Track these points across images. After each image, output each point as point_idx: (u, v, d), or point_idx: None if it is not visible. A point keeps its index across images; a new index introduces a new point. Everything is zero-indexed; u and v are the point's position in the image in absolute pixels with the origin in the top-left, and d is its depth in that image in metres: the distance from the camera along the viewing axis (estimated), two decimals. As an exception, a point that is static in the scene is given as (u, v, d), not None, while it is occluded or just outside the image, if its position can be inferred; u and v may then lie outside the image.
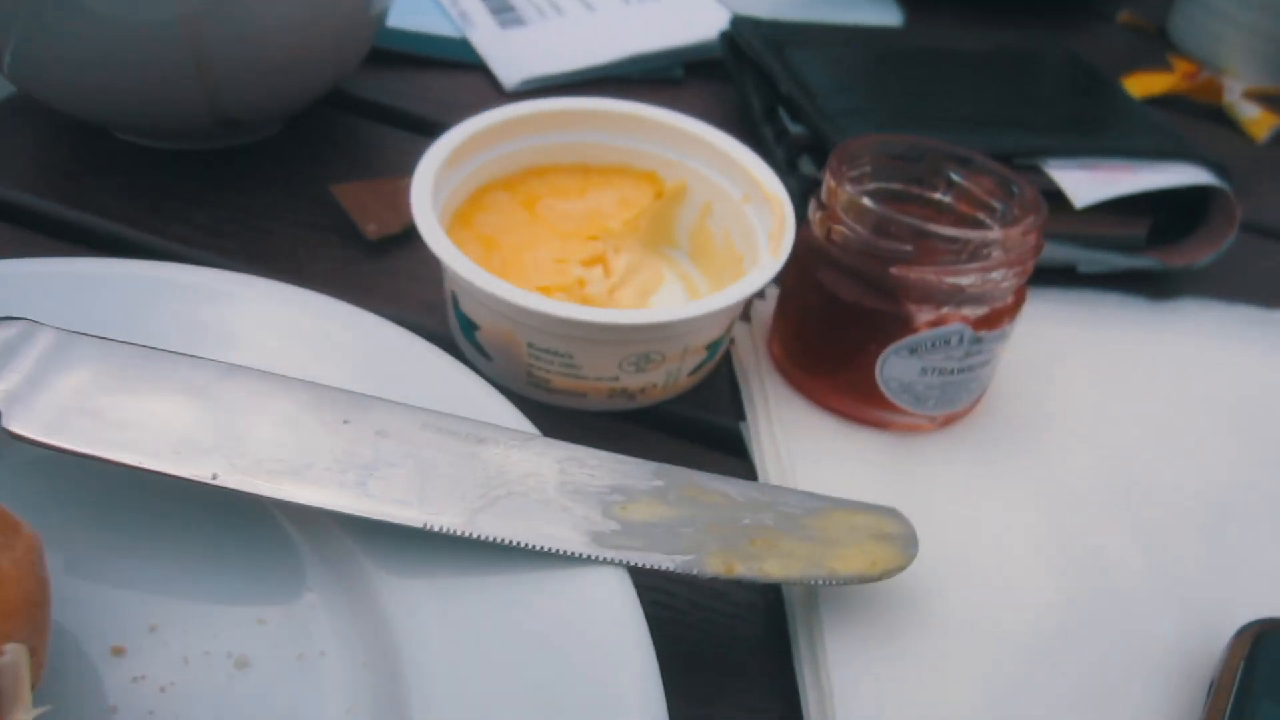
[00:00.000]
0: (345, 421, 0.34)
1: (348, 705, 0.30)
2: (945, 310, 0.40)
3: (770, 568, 0.32)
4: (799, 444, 0.43)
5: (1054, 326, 0.51)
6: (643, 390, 0.44)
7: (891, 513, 0.35)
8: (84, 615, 0.32)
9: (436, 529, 0.32)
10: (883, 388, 0.42)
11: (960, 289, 0.39)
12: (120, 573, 0.33)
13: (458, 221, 0.47)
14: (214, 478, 0.32)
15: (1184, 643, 0.37)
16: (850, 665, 0.34)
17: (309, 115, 0.60)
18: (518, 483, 0.33)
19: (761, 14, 0.75)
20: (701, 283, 0.51)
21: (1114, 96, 0.62)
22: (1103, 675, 0.36)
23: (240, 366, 0.35)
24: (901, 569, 0.34)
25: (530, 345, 0.41)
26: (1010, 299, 0.41)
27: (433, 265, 0.45)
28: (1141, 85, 0.79)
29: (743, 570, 0.32)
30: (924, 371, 0.41)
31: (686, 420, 0.46)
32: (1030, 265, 0.41)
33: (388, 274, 0.51)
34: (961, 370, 0.42)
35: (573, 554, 0.32)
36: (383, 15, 0.56)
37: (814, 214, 0.43)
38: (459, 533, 0.32)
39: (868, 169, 0.44)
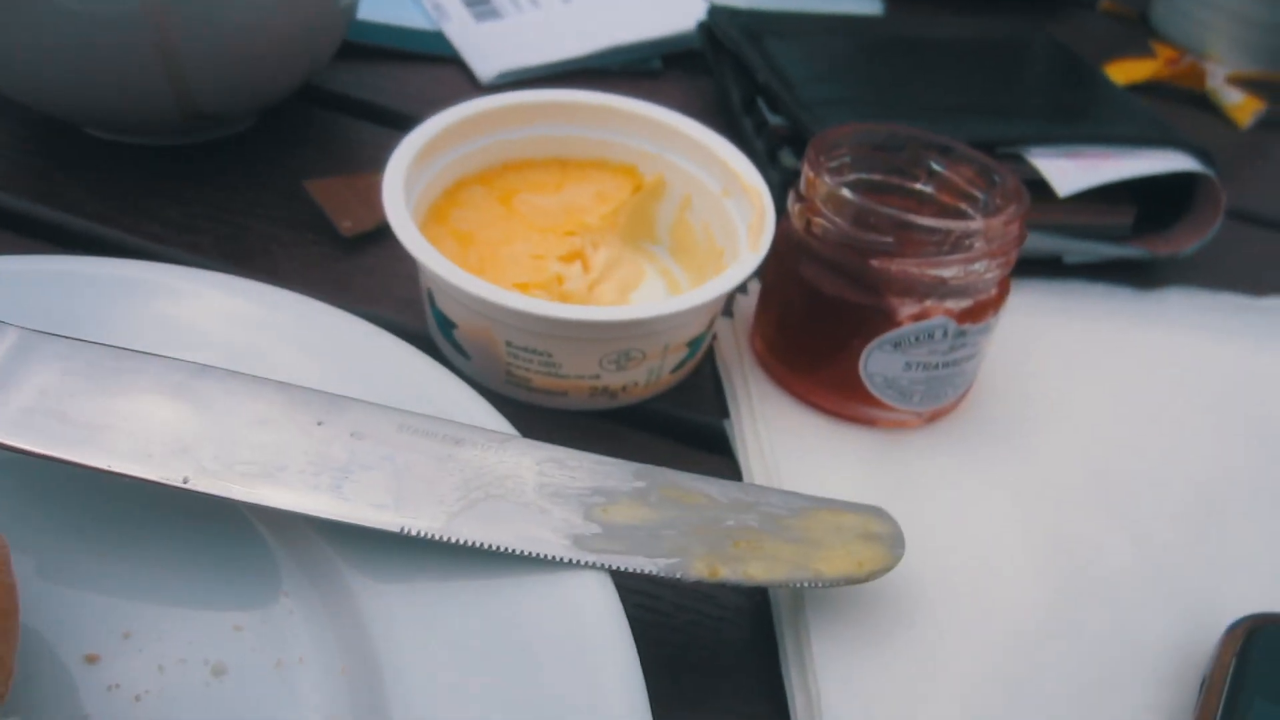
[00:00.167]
0: (319, 423, 0.33)
1: (327, 713, 0.30)
2: (928, 303, 0.39)
3: (754, 570, 0.32)
4: (783, 442, 0.42)
5: (1040, 318, 0.50)
6: (624, 388, 0.43)
7: (877, 512, 0.35)
8: (56, 622, 0.31)
9: (413, 533, 0.31)
10: (867, 383, 0.41)
11: (943, 281, 0.39)
12: (93, 578, 0.32)
13: (433, 217, 0.46)
14: (185, 481, 0.31)
15: (1175, 639, 0.37)
16: (837, 668, 0.34)
17: (283, 109, 0.59)
18: (496, 485, 0.32)
19: (740, 3, 0.75)
20: (682, 277, 0.50)
21: (1097, 84, 0.61)
22: (1093, 674, 0.35)
23: (212, 367, 0.34)
24: (888, 569, 0.33)
25: (509, 344, 0.41)
26: (994, 291, 0.40)
27: (409, 262, 0.44)
28: (1124, 72, 0.79)
29: (727, 573, 0.32)
30: (908, 366, 0.41)
31: (670, 418, 0.45)
32: (1014, 256, 0.40)
33: (364, 271, 0.50)
34: (946, 364, 0.41)
35: (553, 558, 0.31)
36: (353, 6, 0.56)
37: (793, 206, 0.42)
38: (437, 537, 0.31)
39: (847, 159, 0.43)
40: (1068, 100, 0.59)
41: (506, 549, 0.31)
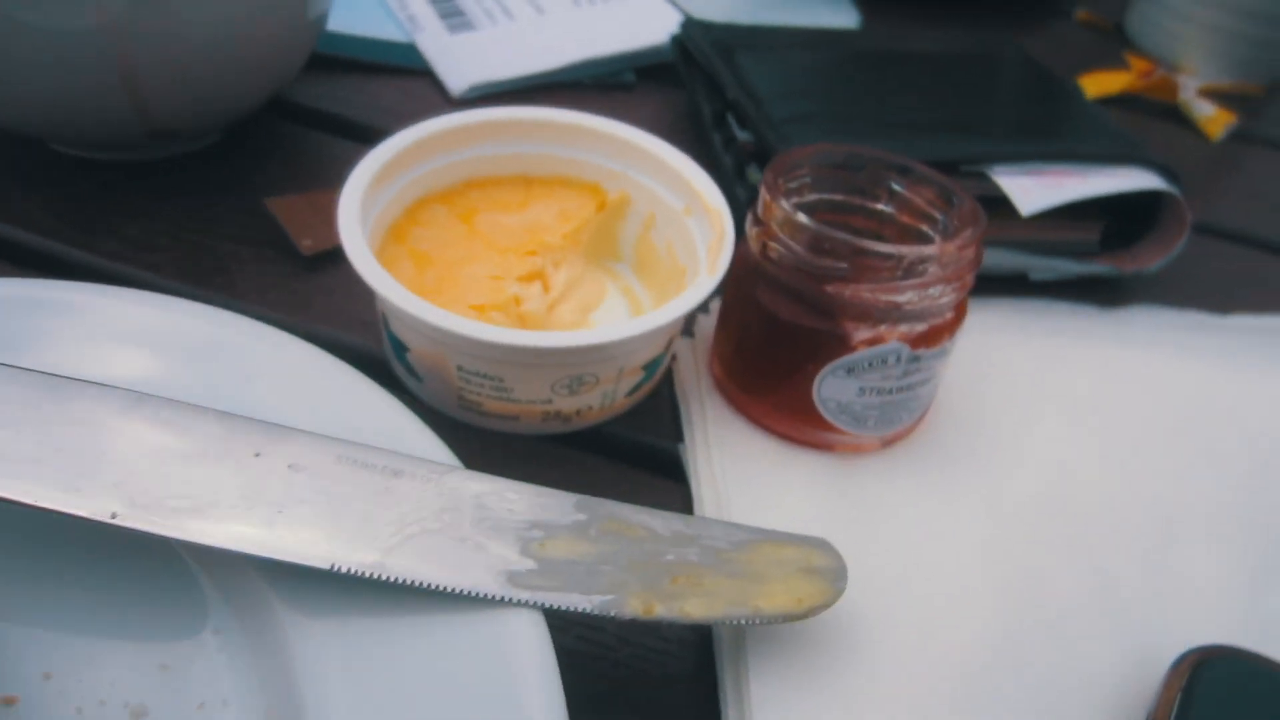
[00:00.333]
0: (257, 454, 0.33)
1: (251, 757, 0.29)
2: (882, 328, 0.39)
3: (691, 608, 0.31)
4: (736, 469, 0.41)
5: (1003, 338, 0.50)
6: (578, 413, 0.43)
7: (821, 544, 0.34)
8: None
9: (345, 570, 0.30)
10: (820, 408, 0.41)
11: (897, 306, 0.38)
12: (13, 615, 0.32)
13: (392, 237, 0.46)
14: (114, 517, 0.30)
15: (1123, 672, 0.36)
16: (774, 707, 0.33)
17: (250, 123, 0.59)
18: (433, 519, 0.32)
19: (716, 16, 0.74)
20: (645, 296, 0.49)
21: (1067, 100, 0.61)
22: (1039, 708, 0.35)
23: (150, 395, 0.34)
24: (828, 605, 0.32)
25: (460, 368, 0.40)
26: (950, 315, 0.40)
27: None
28: (1098, 84, 0.79)
29: (662, 611, 0.31)
30: (862, 391, 0.40)
31: (625, 442, 0.44)
32: (969, 279, 0.39)
33: (323, 290, 0.49)
34: (900, 389, 0.41)
35: (486, 596, 0.30)
36: (322, 20, 0.55)
37: (750, 229, 0.42)
38: (369, 575, 0.30)
39: (808, 179, 0.43)
40: (1035, 116, 0.59)
41: (439, 587, 0.30)
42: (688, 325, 0.49)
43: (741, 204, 0.53)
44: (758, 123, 0.54)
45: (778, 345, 0.41)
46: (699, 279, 0.42)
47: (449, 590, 0.30)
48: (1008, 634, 0.37)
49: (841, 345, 0.39)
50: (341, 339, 0.47)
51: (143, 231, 0.51)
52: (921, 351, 0.40)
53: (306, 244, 0.51)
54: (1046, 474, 0.43)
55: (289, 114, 0.62)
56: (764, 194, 0.41)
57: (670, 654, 0.37)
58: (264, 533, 0.31)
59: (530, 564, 0.31)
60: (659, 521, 0.33)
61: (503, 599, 0.30)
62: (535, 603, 0.30)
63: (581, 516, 0.33)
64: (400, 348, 0.42)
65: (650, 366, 0.43)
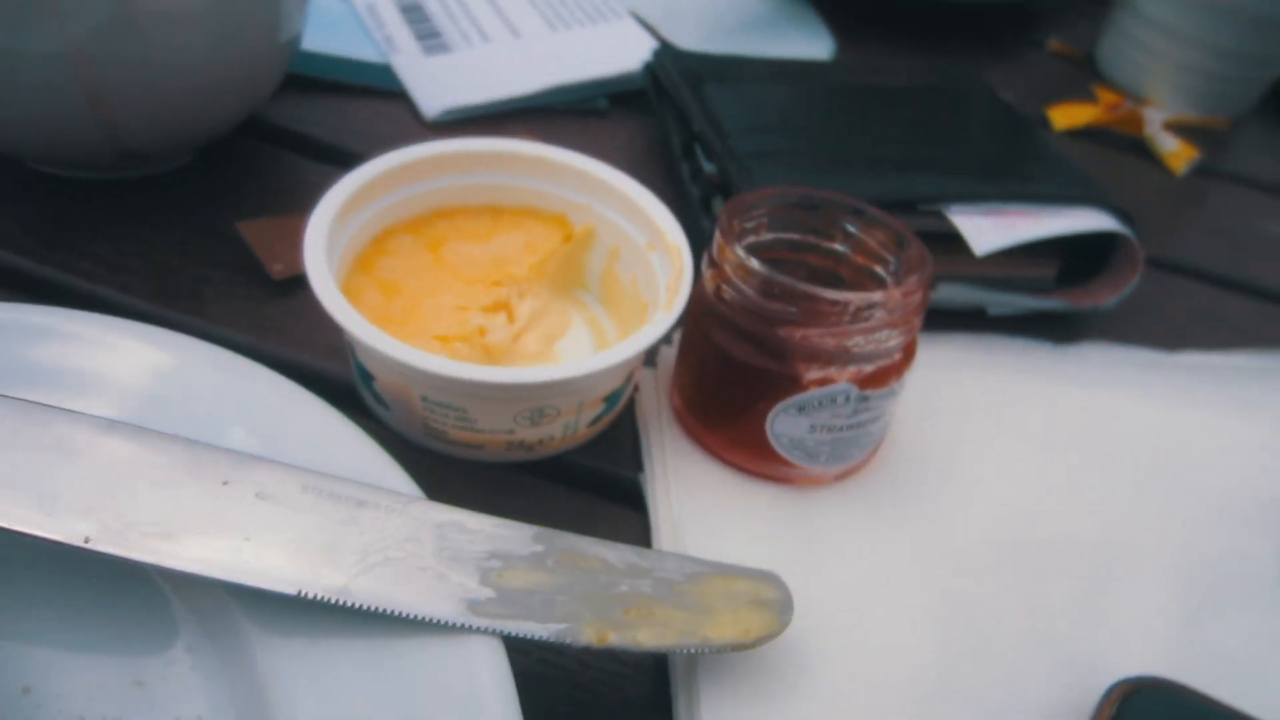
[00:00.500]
0: (225, 483, 0.34)
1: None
2: (831, 370, 0.40)
3: (643, 637, 0.33)
4: (693, 500, 0.43)
5: (957, 373, 0.51)
6: (541, 442, 0.44)
7: (770, 577, 0.35)
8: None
9: (311, 596, 0.31)
10: (774, 443, 0.42)
11: (845, 349, 0.40)
12: (-9, 636, 0.33)
13: (359, 266, 0.47)
14: (87, 541, 0.31)
15: (1059, 701, 0.38)
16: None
17: (224, 143, 0.60)
18: (396, 548, 0.33)
19: (692, 43, 0.76)
20: (610, 327, 0.51)
21: (1028, 138, 0.62)
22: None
23: (120, 422, 0.35)
24: (774, 636, 0.34)
25: (424, 399, 0.41)
26: (898, 356, 0.41)
27: None
28: (1066, 116, 0.81)
29: (615, 640, 0.32)
30: (813, 429, 0.42)
31: (586, 471, 0.46)
32: (916, 323, 0.41)
33: (293, 315, 0.50)
34: (850, 427, 0.42)
35: (447, 623, 0.32)
36: (295, 42, 0.56)
37: (706, 270, 0.43)
38: (334, 601, 0.32)
39: (764, 219, 0.45)
40: (996, 155, 0.60)
41: (402, 613, 0.32)
42: (650, 356, 0.50)
43: (706, 235, 0.54)
44: (722, 156, 0.56)
45: (732, 382, 0.43)
46: (657, 315, 0.43)
47: (411, 617, 0.32)
48: (949, 663, 0.38)
49: (793, 385, 0.41)
50: (311, 364, 0.48)
51: (115, 252, 0.52)
52: (870, 392, 0.41)
53: (278, 269, 0.52)
54: (993, 508, 0.45)
55: (262, 134, 0.63)
56: (719, 237, 0.42)
57: (627, 677, 0.38)
58: (232, 559, 0.32)
59: (489, 593, 0.33)
60: (614, 554, 0.35)
61: (463, 626, 0.32)
62: (494, 630, 0.32)
63: (539, 548, 0.34)
64: (367, 377, 0.43)
65: (611, 398, 0.44)
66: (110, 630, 0.33)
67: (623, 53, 0.74)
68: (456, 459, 0.45)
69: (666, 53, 0.68)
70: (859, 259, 0.44)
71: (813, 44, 0.83)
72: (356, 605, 0.32)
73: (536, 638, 0.32)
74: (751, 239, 0.44)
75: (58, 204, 0.54)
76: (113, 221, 0.54)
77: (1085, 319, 0.59)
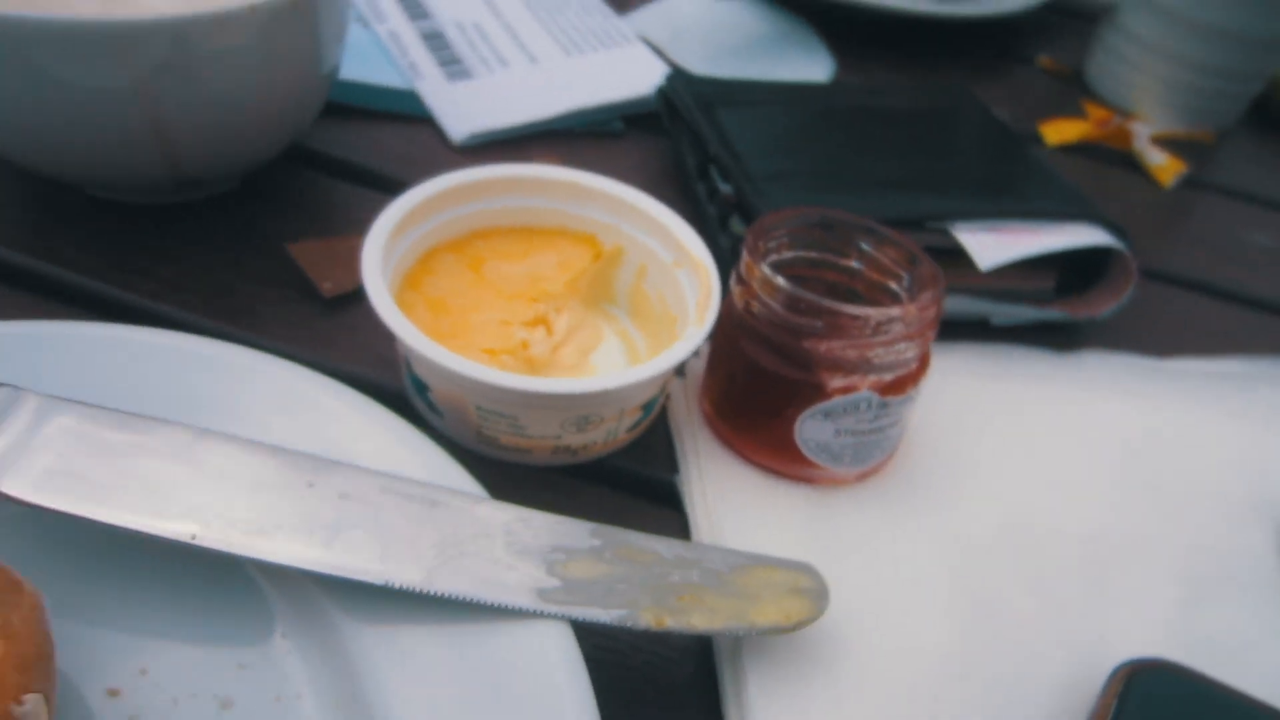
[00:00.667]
0: (310, 484, 0.37)
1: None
2: (854, 378, 0.44)
3: (696, 620, 0.36)
4: (727, 499, 0.47)
5: (966, 379, 0.55)
6: (584, 447, 0.48)
7: (806, 568, 0.39)
8: (80, 661, 0.35)
9: (397, 586, 0.35)
10: (801, 447, 0.46)
11: (867, 359, 0.43)
12: (111, 621, 0.36)
13: (407, 284, 0.51)
14: (193, 538, 0.35)
15: (1067, 680, 0.41)
16: (768, 705, 0.38)
17: (265, 168, 0.63)
18: (469, 543, 0.37)
19: (697, 65, 0.79)
20: (639, 340, 0.54)
21: (1023, 156, 0.66)
22: (995, 712, 0.40)
23: (211, 431, 0.38)
24: (813, 620, 0.38)
25: (479, 408, 0.45)
26: (915, 365, 0.45)
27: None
28: (1057, 132, 0.84)
29: (672, 623, 0.36)
30: (837, 433, 0.45)
31: (626, 474, 0.49)
32: (930, 335, 0.45)
33: (343, 330, 0.54)
34: (872, 431, 0.46)
35: (520, 609, 0.35)
36: (334, 73, 0.59)
37: (735, 287, 0.47)
38: (418, 590, 0.35)
39: (785, 238, 0.48)
40: (993, 173, 0.64)
41: (479, 601, 0.35)
42: (679, 367, 0.54)
43: (725, 252, 0.58)
44: (738, 178, 0.59)
45: (761, 391, 0.46)
46: (689, 329, 0.47)
47: (487, 604, 0.35)
48: (965, 645, 0.42)
49: (818, 392, 0.44)
50: (362, 375, 0.51)
51: (175, 273, 0.56)
52: (889, 399, 0.45)
53: (327, 286, 0.55)
54: (1002, 503, 0.49)
55: (301, 159, 0.66)
56: (746, 256, 0.46)
57: (675, 661, 0.42)
58: (323, 552, 0.36)
59: (556, 582, 0.36)
60: (664, 547, 0.38)
61: (534, 611, 0.35)
62: (563, 615, 0.35)
63: (597, 542, 0.38)
64: (422, 387, 0.47)
65: (648, 406, 0.48)
66: (214, 619, 0.37)
67: (635, 77, 0.78)
68: (506, 463, 0.48)
69: (679, 78, 0.72)
70: (873, 275, 0.48)
71: (813, 63, 0.87)
72: (439, 594, 0.35)
73: (601, 622, 0.36)
74: (774, 257, 0.48)
75: (114, 227, 0.58)
76: (169, 245, 0.57)
77: (1083, 328, 0.63)
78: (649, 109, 0.76)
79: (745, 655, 0.40)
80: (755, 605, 0.37)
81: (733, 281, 0.47)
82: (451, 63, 0.77)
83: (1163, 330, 0.64)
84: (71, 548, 0.38)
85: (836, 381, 0.44)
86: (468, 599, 0.35)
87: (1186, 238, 0.76)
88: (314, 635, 0.36)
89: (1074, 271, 0.61)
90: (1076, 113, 0.88)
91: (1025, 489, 0.50)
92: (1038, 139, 0.84)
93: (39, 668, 0.30)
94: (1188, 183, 0.83)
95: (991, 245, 0.55)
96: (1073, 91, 0.94)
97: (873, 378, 0.44)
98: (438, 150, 0.70)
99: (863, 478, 0.49)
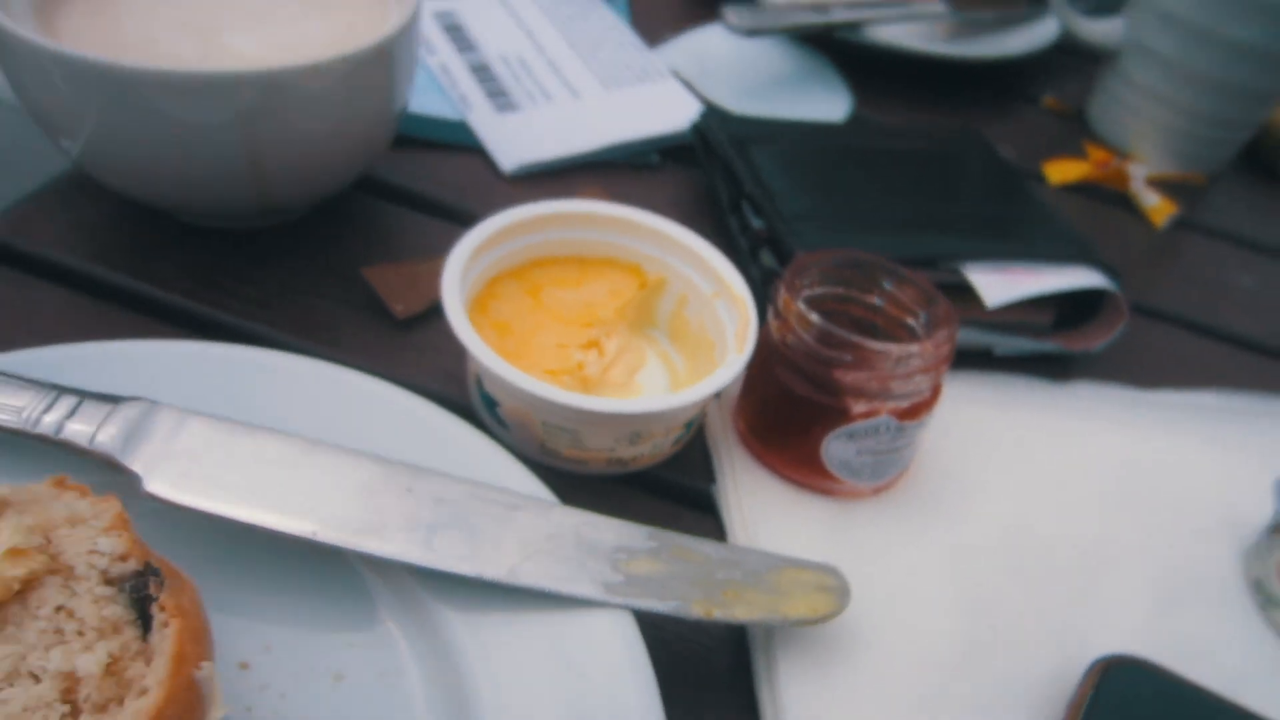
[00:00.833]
0: (409, 490, 0.44)
1: (422, 712, 0.40)
2: (875, 404, 0.50)
3: (738, 612, 0.43)
4: (759, 507, 0.53)
5: (971, 406, 0.61)
6: (634, 459, 0.54)
7: (831, 570, 0.45)
8: (215, 638, 0.40)
9: (487, 578, 0.41)
10: (826, 463, 0.52)
11: (888, 389, 0.49)
12: (239, 605, 0.42)
13: (475, 309, 0.57)
14: (314, 535, 0.41)
15: (1054, 672, 0.48)
16: (797, 688, 0.45)
17: (335, 196, 0.69)
18: (545, 541, 0.43)
19: (725, 97, 0.85)
20: (679, 362, 0.60)
21: (1026, 199, 0.72)
22: (992, 701, 0.46)
23: (320, 441, 0.45)
24: (837, 614, 0.44)
25: (544, 423, 0.51)
26: (929, 394, 0.51)
27: (453, 341, 0.52)
28: (1060, 172, 0.90)
29: (718, 614, 0.42)
30: (859, 452, 0.52)
31: (669, 483, 0.56)
32: (944, 368, 0.51)
33: (414, 348, 0.60)
34: (889, 451, 0.52)
35: (591, 599, 0.42)
36: (404, 110, 0.65)
37: (772, 320, 0.53)
38: (504, 582, 0.41)
39: (817, 276, 0.54)
40: (1000, 215, 0.70)
41: (556, 592, 0.41)
42: (716, 389, 0.60)
43: (756, 282, 0.64)
44: (771, 216, 0.65)
45: (792, 413, 0.52)
46: (729, 356, 0.53)
47: (563, 594, 0.41)
48: (968, 641, 0.48)
49: (843, 416, 0.51)
50: (431, 389, 0.57)
51: (260, 292, 0.62)
52: (906, 423, 0.51)
53: (399, 308, 0.61)
54: (1002, 517, 0.55)
55: (365, 187, 0.72)
56: (783, 292, 0.52)
57: (713, 650, 0.48)
58: (424, 549, 0.42)
59: (620, 577, 0.42)
60: (711, 550, 0.45)
61: (602, 602, 0.42)
62: (627, 605, 0.42)
63: (654, 544, 0.44)
64: (491, 402, 0.53)
65: (689, 424, 0.54)
66: (326, 605, 0.43)
67: (670, 111, 0.83)
68: (564, 472, 0.54)
69: (713, 115, 0.78)
70: (893, 311, 0.54)
71: (833, 98, 0.93)
72: (522, 585, 0.41)
73: (658, 611, 0.42)
74: (806, 292, 0.54)
75: (201, 250, 0.64)
76: (251, 266, 0.63)
77: (1077, 360, 0.69)
78: (683, 142, 0.81)
79: (777, 644, 0.46)
80: (787, 600, 0.44)
81: (770, 315, 0.53)
82: (499, 94, 0.83)
83: (1150, 363, 0.70)
84: (204, 542, 0.43)
85: (859, 407, 0.50)
86: (545, 590, 0.42)
87: (1176, 276, 0.82)
88: (413, 619, 0.43)
89: (1071, 308, 0.67)
90: (1078, 152, 0.94)
91: (1022, 504, 0.56)
92: (1041, 178, 0.90)
93: (204, 641, 0.36)
94: (1179, 224, 0.88)
95: (998, 284, 0.61)
96: (1075, 131, 0.99)
97: (891, 404, 0.50)
98: (489, 179, 0.76)
99: (879, 492, 0.55)
